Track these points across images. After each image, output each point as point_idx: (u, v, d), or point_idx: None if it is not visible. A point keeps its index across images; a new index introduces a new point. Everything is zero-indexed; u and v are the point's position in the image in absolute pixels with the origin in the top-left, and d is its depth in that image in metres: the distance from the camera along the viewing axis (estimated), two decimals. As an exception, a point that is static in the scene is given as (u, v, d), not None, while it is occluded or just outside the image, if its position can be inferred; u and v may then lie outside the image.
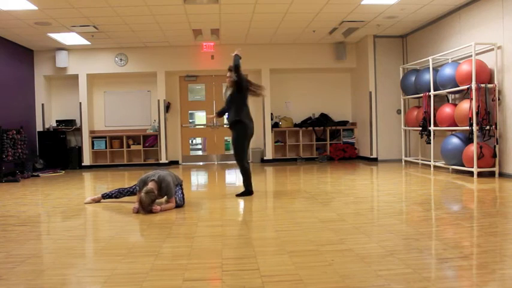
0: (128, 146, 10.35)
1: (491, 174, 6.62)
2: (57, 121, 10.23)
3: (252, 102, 6.20)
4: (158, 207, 4.47)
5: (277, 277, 2.49)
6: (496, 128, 6.52)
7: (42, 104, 10.08)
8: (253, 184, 5.51)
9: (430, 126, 7.81)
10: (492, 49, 6.62)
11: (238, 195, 5.37)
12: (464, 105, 6.74)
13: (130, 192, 4.99)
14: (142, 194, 4.42)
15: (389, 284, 2.32)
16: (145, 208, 4.41)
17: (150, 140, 10.36)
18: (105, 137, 10.23)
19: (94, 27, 8.12)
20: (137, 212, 4.47)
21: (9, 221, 4.30)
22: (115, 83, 10.55)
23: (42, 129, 10.02)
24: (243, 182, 5.46)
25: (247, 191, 5.40)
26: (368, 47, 9.66)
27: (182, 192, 4.84)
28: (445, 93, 7.53)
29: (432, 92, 7.72)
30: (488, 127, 6.49)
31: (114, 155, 10.48)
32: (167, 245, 3.26)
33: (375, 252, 2.91)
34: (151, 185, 4.51)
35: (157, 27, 8.34)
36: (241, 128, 5.33)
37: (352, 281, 2.38)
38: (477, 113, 6.47)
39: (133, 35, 8.96)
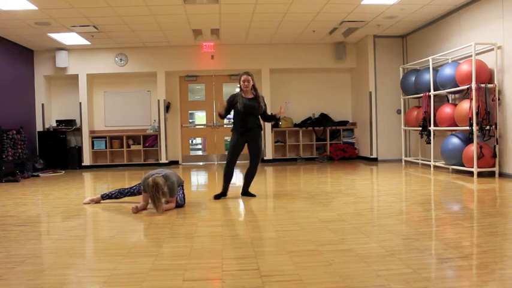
0: (128, 146, 10.35)
1: (491, 174, 6.62)
2: (57, 121, 10.23)
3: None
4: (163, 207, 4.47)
5: (277, 277, 2.49)
6: (496, 128, 6.52)
7: (42, 104, 10.08)
8: (248, 185, 5.44)
9: (430, 126, 7.81)
10: (492, 49, 6.62)
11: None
12: (464, 105, 6.74)
13: (131, 192, 4.98)
14: (155, 176, 4.39)
15: (389, 284, 2.32)
16: (160, 190, 4.31)
17: (150, 140, 10.36)
18: (105, 137, 10.23)
19: (94, 27, 8.12)
20: (137, 211, 4.46)
21: (9, 221, 4.30)
22: (115, 83, 10.55)
23: (42, 129, 10.02)
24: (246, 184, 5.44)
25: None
26: (368, 47, 9.66)
27: (183, 192, 4.83)
28: (445, 93, 7.53)
29: (432, 92, 7.72)
30: (488, 127, 6.49)
31: (114, 155, 10.48)
32: (167, 245, 3.26)
33: (375, 252, 2.91)
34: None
35: (157, 27, 8.34)
36: (261, 135, 5.37)
37: (352, 281, 2.38)
38: (477, 113, 6.47)
39: (133, 35, 8.96)
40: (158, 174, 4.55)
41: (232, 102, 5.22)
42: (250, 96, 5.21)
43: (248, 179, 5.39)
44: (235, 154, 5.24)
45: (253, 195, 5.33)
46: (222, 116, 5.28)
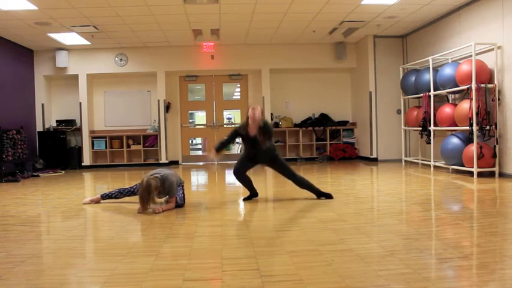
0: (128, 146, 10.35)
1: (491, 174, 6.62)
2: (57, 121, 10.23)
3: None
4: (160, 208, 4.47)
5: (277, 277, 2.49)
6: (496, 128, 6.52)
7: (42, 104, 10.08)
8: (313, 191, 5.16)
9: (430, 126, 7.81)
10: (492, 49, 6.62)
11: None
12: (464, 105, 6.74)
13: (131, 192, 4.96)
14: (153, 176, 4.39)
15: (389, 284, 2.32)
16: (152, 193, 4.31)
17: (150, 140, 10.36)
18: (105, 137, 10.23)
19: (94, 27, 8.12)
20: (142, 211, 4.45)
21: (9, 221, 4.30)
22: (115, 83, 10.55)
23: (42, 129, 10.02)
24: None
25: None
26: (368, 47, 9.66)
27: (183, 192, 4.83)
28: (445, 93, 7.53)
29: (432, 92, 7.72)
30: (488, 127, 6.49)
31: (114, 155, 10.47)
32: (167, 245, 3.26)
33: (375, 252, 2.91)
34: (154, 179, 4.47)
35: (157, 27, 8.34)
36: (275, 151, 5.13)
37: (352, 281, 2.38)
38: (477, 113, 6.47)
39: (133, 35, 8.96)
40: (158, 174, 4.54)
41: (237, 136, 5.03)
42: (254, 132, 4.86)
43: (307, 188, 5.12)
44: (242, 166, 5.09)
45: (329, 197, 5.05)
46: (218, 150, 5.01)
